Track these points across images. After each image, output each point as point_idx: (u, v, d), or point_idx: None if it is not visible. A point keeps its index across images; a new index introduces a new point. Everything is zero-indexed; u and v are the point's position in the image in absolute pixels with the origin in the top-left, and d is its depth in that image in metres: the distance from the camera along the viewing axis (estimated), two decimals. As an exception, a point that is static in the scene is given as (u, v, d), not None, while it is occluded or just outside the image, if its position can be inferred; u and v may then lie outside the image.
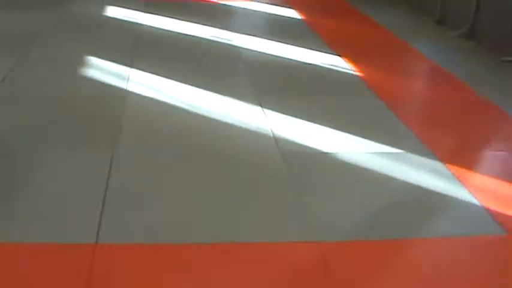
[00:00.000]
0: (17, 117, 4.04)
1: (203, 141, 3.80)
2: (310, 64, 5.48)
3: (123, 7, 7.32)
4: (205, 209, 3.02)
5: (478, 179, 3.49)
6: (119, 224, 2.86)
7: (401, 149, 3.76)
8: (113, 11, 7.17)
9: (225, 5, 7.94)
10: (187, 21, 6.79)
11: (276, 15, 7.48)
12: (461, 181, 3.37)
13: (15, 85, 4.65)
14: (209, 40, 6.14)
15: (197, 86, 4.70)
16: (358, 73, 5.23)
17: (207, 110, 4.25)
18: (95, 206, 2.99)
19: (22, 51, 5.46)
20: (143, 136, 3.85)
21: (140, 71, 5.02)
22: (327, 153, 3.70)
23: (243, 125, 4.03)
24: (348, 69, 5.35)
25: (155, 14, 7.06)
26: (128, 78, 4.85)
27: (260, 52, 5.81)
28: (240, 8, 7.75)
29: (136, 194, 3.14)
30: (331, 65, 5.46)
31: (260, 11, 7.61)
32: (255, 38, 6.24)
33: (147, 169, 3.41)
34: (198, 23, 6.70)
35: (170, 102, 4.39)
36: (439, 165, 3.55)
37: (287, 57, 5.66)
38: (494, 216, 3.01)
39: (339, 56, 5.70)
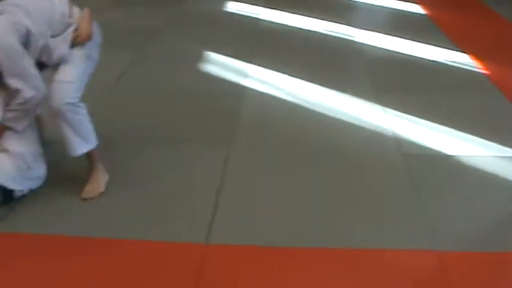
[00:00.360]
0: (136, 113, 4.17)
1: (320, 140, 3.74)
2: (433, 61, 5.24)
3: (244, 2, 7.38)
4: (321, 212, 2.97)
5: None
6: (231, 224, 2.87)
7: (532, 153, 3.52)
8: (233, 6, 7.24)
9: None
10: (309, 16, 6.71)
11: (399, 10, 7.23)
12: None
13: (134, 81, 4.80)
14: (330, 35, 6.05)
15: (316, 83, 4.64)
16: (484, 71, 4.95)
17: (325, 108, 4.19)
18: (208, 204, 3.02)
19: (141, 47, 5.65)
20: (260, 134, 3.84)
21: (259, 67, 5.03)
22: (450, 156, 3.52)
23: (363, 124, 3.93)
24: (473, 66, 5.07)
25: (276, 9, 7.05)
26: (247, 74, 4.88)
27: (381, 48, 5.64)
28: (361, 2, 7.58)
29: (249, 194, 3.14)
30: (456, 62, 5.20)
31: (382, 6, 7.39)
32: (376, 33, 6.07)
33: (262, 168, 3.41)
34: (319, 18, 6.61)
35: (288, 99, 4.36)
36: None
37: (409, 53, 5.46)
38: None
39: (464, 52, 5.41)
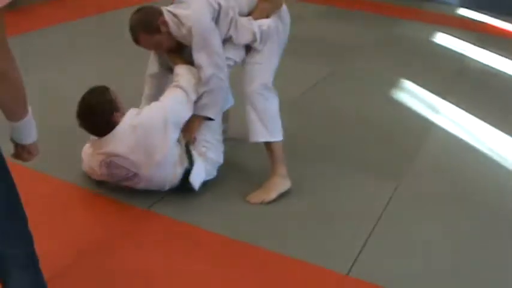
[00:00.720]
0: (313, 129, 4.11)
1: (500, 199, 3.39)
2: None
3: (454, 36, 7.03)
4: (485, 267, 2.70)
5: None
6: (376, 261, 2.71)
7: None
8: (441, 38, 6.93)
9: None
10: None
11: None
12: None
13: (321, 96, 4.73)
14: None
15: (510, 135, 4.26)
16: None
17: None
18: (361, 236, 2.89)
19: (338, 63, 5.58)
20: (434, 176, 3.59)
21: (453, 105, 4.74)
22: None
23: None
24: None
25: (486, 48, 6.63)
26: (438, 110, 4.61)
27: None
28: None
29: (405, 236, 2.95)
30: None
31: None
32: None
33: (425, 213, 3.18)
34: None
35: (475, 145, 4.05)
36: None
37: None
38: None
39: None
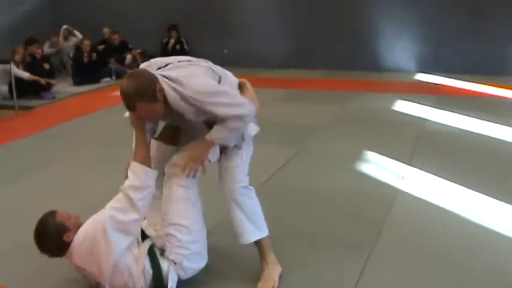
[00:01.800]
0: (284, 208, 4.08)
1: (480, 261, 3.30)
2: None
3: (413, 101, 7.18)
4: None
5: None
6: None
7: None
8: (401, 105, 7.07)
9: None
10: (480, 118, 6.33)
11: None
12: None
13: (289, 177, 4.75)
14: (502, 141, 5.60)
15: (481, 192, 4.23)
16: None
17: (490, 223, 3.77)
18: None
19: (302, 143, 5.63)
20: (406, 243, 3.54)
21: (418, 170, 4.76)
22: None
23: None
24: None
25: (445, 109, 6.76)
26: (403, 177, 4.63)
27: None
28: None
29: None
30: None
31: None
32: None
33: (402, 281, 3.11)
34: (492, 122, 6.19)
35: (445, 207, 4.02)
36: None
37: None
38: None
39: None
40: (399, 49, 9.71)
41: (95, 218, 2.90)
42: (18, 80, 7.99)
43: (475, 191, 4.27)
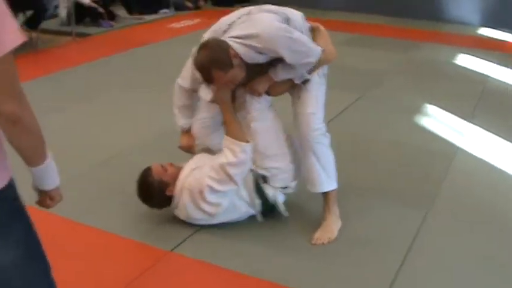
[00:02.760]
0: (339, 157, 4.04)
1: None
2: None
3: (476, 56, 6.97)
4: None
5: None
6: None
7: None
8: (463, 60, 6.87)
9: None
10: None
11: None
12: None
13: (346, 124, 4.72)
14: None
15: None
16: None
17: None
18: (393, 264, 2.82)
19: (362, 91, 5.55)
20: (464, 202, 3.50)
21: (479, 128, 4.66)
22: None
23: None
24: None
25: (509, 67, 6.54)
26: (463, 133, 4.54)
27: None
28: None
29: (435, 266, 2.85)
30: None
31: None
32: None
33: (455, 242, 3.09)
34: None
35: (504, 169, 3.95)
36: None
37: None
38: None
39: None
40: (465, 1, 9.37)
41: (192, 184, 2.99)
42: (78, 6, 8.00)
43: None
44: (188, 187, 2.98)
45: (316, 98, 3.01)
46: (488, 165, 4.01)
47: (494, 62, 6.73)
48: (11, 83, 1.46)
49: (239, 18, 2.86)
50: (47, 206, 1.78)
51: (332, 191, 3.10)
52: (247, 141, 2.95)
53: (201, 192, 2.94)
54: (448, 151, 4.22)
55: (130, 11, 9.27)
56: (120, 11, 9.12)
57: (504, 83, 6.04)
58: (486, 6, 9.22)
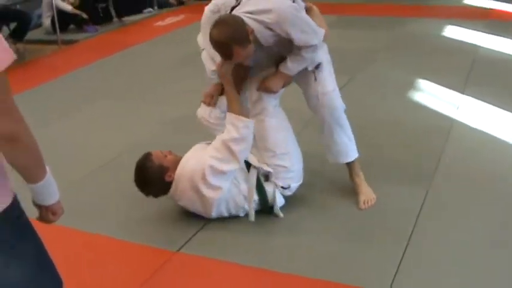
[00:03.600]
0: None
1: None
2: None
3: (464, 27, 6.96)
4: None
5: None
6: (415, 278, 2.63)
7: None
8: (451, 32, 6.86)
9: None
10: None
11: None
12: None
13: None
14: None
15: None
16: None
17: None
18: (397, 252, 2.81)
19: (352, 71, 5.53)
20: (464, 175, 3.51)
21: (472, 99, 4.66)
22: None
23: None
24: None
25: (497, 35, 6.54)
26: (458, 106, 4.54)
27: None
28: None
29: (441, 245, 2.86)
30: None
31: None
32: None
33: (461, 216, 3.09)
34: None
35: (501, 138, 3.96)
36: None
37: None
38: None
39: None
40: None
41: (193, 164, 2.97)
42: (61, 13, 7.95)
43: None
44: (189, 171, 2.96)
45: (330, 75, 3.13)
46: (484, 134, 4.03)
47: (482, 31, 6.72)
48: (4, 100, 1.45)
49: None
50: (50, 221, 1.77)
51: (356, 158, 3.26)
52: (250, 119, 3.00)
53: (202, 174, 2.91)
54: (443, 125, 4.22)
55: (116, 13, 9.25)
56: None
57: (494, 51, 6.04)
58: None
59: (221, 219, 3.09)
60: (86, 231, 3.15)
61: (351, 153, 3.23)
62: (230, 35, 2.73)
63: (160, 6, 9.71)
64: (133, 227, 3.16)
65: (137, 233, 3.10)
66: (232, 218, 3.10)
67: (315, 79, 3.07)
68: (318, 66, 3.06)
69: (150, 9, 9.62)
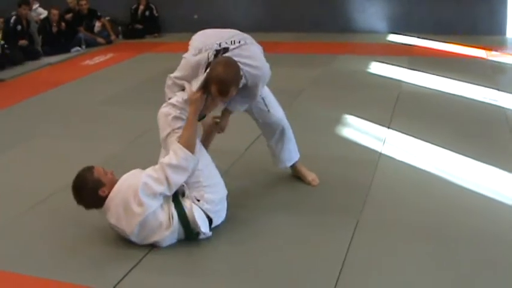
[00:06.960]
0: (263, 174, 4.09)
1: (463, 220, 3.38)
2: None
3: (386, 63, 7.21)
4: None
5: None
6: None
7: None
8: (376, 68, 7.10)
9: (494, 61, 7.39)
10: (454, 78, 6.39)
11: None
12: None
13: (265, 145, 4.69)
14: (475, 100, 5.67)
15: (458, 152, 4.30)
16: None
17: (467, 181, 3.85)
18: (330, 278, 2.85)
19: (282, 107, 5.58)
20: (392, 207, 3.59)
21: (398, 133, 4.80)
22: None
23: (504, 200, 3.57)
24: None
25: (419, 70, 6.81)
26: (384, 140, 4.67)
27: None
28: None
29: (372, 274, 2.91)
30: None
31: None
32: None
33: (390, 246, 3.16)
34: (464, 81, 6.27)
35: (426, 169, 4.08)
36: None
37: None
38: None
39: None
40: (371, 10, 9.70)
41: (130, 180, 3.12)
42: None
43: (454, 152, 4.33)
44: (125, 187, 3.07)
45: (273, 96, 3.78)
46: (411, 167, 4.14)
47: (404, 67, 6.99)
48: None
49: (239, 42, 3.32)
50: None
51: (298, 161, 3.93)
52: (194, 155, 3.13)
53: (135, 191, 3.01)
54: (371, 159, 4.31)
55: (43, 52, 9.13)
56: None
57: (416, 85, 6.29)
58: (392, 13, 9.59)
59: (155, 260, 3.05)
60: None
61: (295, 156, 3.91)
62: (233, 76, 3.11)
63: (89, 45, 9.65)
64: (64, 266, 3.07)
65: (69, 272, 3.01)
66: (166, 259, 3.07)
67: (265, 104, 3.66)
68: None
69: (78, 48, 9.54)
